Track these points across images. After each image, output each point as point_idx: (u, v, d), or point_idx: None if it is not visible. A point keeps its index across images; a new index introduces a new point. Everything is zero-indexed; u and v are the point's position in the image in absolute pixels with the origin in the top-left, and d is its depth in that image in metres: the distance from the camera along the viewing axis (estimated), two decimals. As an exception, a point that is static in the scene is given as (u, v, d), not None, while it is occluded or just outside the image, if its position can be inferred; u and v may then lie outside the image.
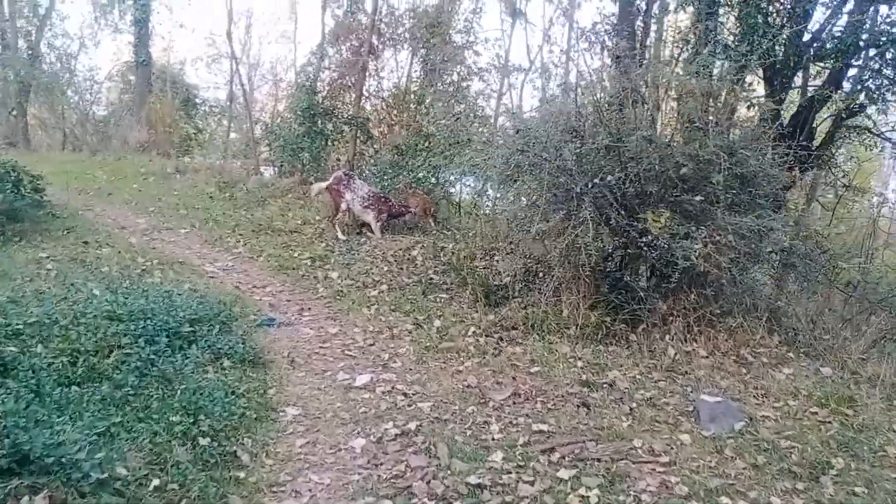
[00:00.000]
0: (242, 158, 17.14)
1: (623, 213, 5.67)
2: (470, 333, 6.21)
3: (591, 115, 6.21)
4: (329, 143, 14.39)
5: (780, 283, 6.52)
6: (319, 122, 13.70)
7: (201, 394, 4.68)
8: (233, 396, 4.81)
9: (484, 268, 8.30)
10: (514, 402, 4.86)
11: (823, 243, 7.06)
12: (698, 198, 5.61)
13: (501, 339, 6.08)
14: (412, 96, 15.89)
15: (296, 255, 9.24)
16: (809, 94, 7.85)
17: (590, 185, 5.70)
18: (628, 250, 5.85)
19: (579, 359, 5.56)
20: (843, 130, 8.23)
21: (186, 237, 10.53)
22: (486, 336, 6.16)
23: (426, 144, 12.73)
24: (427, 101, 15.15)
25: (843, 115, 7.79)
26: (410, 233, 10.49)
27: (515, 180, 6.39)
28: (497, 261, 8.40)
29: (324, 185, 10.54)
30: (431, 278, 8.11)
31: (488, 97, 15.90)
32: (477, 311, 6.81)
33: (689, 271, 5.51)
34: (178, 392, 4.69)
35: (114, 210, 12.48)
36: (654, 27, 11.85)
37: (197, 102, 23.65)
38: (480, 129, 12.55)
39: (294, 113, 13.97)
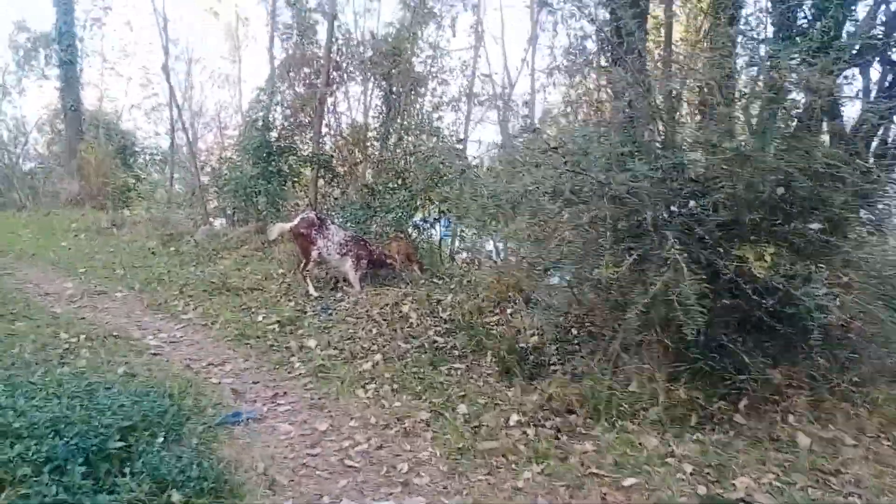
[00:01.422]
0: (188, 208, 15.31)
1: (719, 250, 4.17)
2: (513, 423, 4.58)
3: (649, 125, 4.76)
4: (287, 185, 12.71)
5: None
6: (275, 161, 12.04)
7: (137, 564, 2.98)
8: (188, 561, 3.11)
9: (497, 324, 6.73)
10: (619, 541, 3.26)
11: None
12: (815, 226, 4.16)
13: (559, 431, 4.45)
14: (373, 133, 14.48)
15: (259, 319, 7.51)
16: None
17: (668, 216, 4.21)
18: (722, 300, 4.33)
19: (682, 458, 3.98)
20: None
21: (124, 302, 8.71)
22: (536, 426, 4.52)
23: (399, 182, 11.22)
24: (392, 138, 13.74)
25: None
26: (393, 283, 8.86)
27: (557, 211, 4.83)
28: (511, 315, 6.84)
29: (287, 226, 8.86)
30: (435, 341, 6.47)
31: (458, 129, 14.43)
32: (511, 388, 5.19)
33: (812, 328, 4.02)
34: (101, 563, 2.98)
35: (37, 273, 10.57)
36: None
37: (136, 150, 21.75)
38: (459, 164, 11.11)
39: (245, 153, 12.27)
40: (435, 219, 11.25)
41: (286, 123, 13.60)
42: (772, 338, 4.43)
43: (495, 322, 6.82)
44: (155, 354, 6.42)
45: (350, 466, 4.14)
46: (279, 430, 4.71)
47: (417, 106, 14.33)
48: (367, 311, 7.56)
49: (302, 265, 8.69)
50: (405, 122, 13.38)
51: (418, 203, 10.21)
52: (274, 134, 12.85)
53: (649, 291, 3.95)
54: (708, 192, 4.23)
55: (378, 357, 6.09)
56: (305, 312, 7.76)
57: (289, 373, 5.95)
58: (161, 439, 4.17)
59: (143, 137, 22.82)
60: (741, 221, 4.31)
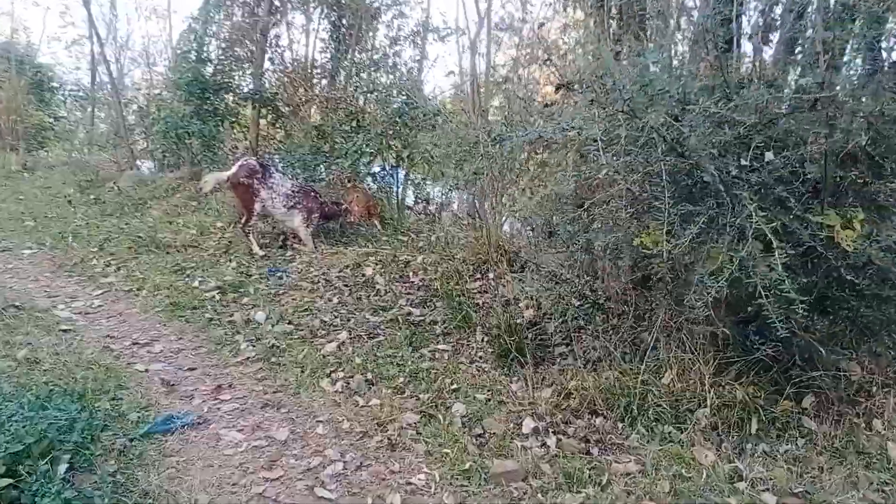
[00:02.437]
0: (112, 150, 13.72)
1: (807, 216, 3.22)
2: (527, 430, 3.62)
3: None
4: (224, 125, 11.32)
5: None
6: (210, 99, 10.64)
7: None
8: None
9: (481, 292, 5.76)
10: None
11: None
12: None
13: (587, 442, 3.52)
14: (319, 69, 13.17)
15: (196, 284, 6.33)
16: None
17: (738, 172, 3.24)
18: (799, 278, 3.41)
19: (755, 482, 3.08)
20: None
21: (31, 262, 7.39)
22: (557, 433, 3.58)
23: (354, 124, 9.97)
24: (342, 75, 12.50)
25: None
26: (352, 241, 7.77)
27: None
28: (495, 280, 5.88)
29: (223, 175, 7.57)
30: (410, 313, 5.46)
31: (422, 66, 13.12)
32: (515, 380, 4.23)
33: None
34: None
35: (-72, 226, 9.09)
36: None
37: (54, 86, 19.65)
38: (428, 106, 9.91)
39: (176, 89, 10.82)
40: (392, 166, 10.13)
41: (223, 57, 12.13)
42: (850, 324, 3.56)
43: (478, 289, 5.84)
44: (66, 331, 5.23)
45: (324, 499, 3.12)
46: (225, 441, 3.64)
47: (371, 40, 13.05)
48: (323, 275, 6.48)
49: (243, 220, 7.49)
50: (358, 58, 12.09)
51: (376, 148, 9.03)
52: (209, 69, 11.40)
53: (724, 271, 2.97)
54: (793, 143, 3.27)
55: (343, 335, 5.04)
56: (250, 276, 6.62)
57: (234, 356, 4.84)
58: (65, 466, 3.08)
59: (62, 72, 20.76)
60: (825, 179, 3.38)
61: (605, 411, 3.71)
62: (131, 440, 3.51)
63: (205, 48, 11.26)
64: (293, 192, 7.52)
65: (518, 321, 4.81)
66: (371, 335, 5.07)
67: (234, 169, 7.49)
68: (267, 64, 12.13)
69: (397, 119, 8.47)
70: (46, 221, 9.05)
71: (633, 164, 3.31)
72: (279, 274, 6.63)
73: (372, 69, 11.77)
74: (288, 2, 13.12)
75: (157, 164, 12.29)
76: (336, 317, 5.46)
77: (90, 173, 11.50)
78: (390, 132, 8.77)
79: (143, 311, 5.80)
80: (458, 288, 5.76)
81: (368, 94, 9.89)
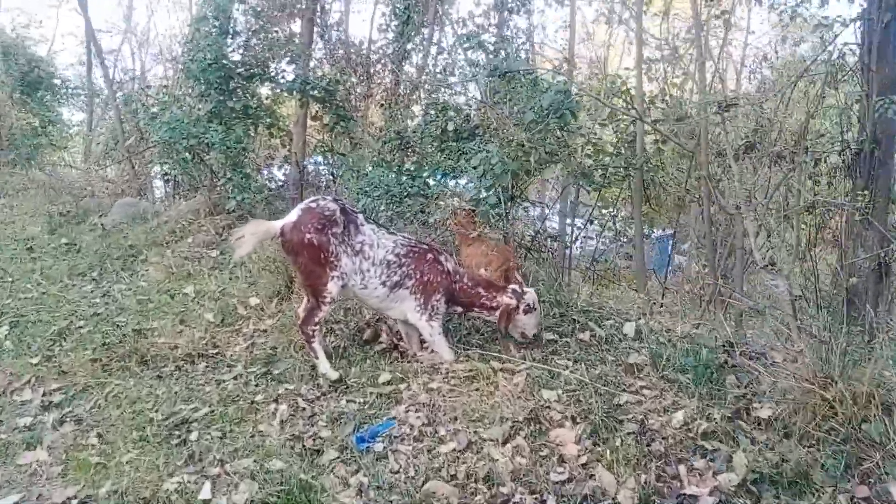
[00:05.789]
0: (111, 166, 10.38)
1: None
2: None
3: None
4: (258, 130, 7.81)
5: None
6: (239, 91, 7.17)
7: None
8: None
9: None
10: None
11: None
12: None
13: None
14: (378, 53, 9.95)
15: (206, 495, 2.86)
16: None
17: None
18: None
19: None
20: None
21: None
22: None
23: (446, 126, 6.46)
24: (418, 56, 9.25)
25: None
26: (487, 333, 4.27)
27: None
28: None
29: (273, 228, 3.96)
30: None
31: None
32: None
33: None
34: None
35: None
36: None
37: (54, 83, 16.38)
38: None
39: (190, 78, 7.29)
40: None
41: (255, 37, 8.49)
42: None
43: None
44: None
45: None
46: None
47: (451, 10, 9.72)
48: (471, 449, 3.01)
49: (306, 310, 3.98)
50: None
51: (510, 164, 5.38)
52: (236, 51, 7.82)
53: None
54: None
55: None
56: (319, 453, 3.13)
57: None
58: None
59: (63, 67, 17.59)
60: None
61: None
62: None
63: (230, 20, 7.72)
64: (397, 255, 4.01)
65: None
66: None
67: (292, 216, 3.90)
68: (316, 41, 8.78)
69: (555, 117, 4.87)
70: (-18, 288, 5.70)
71: None
72: (376, 441, 3.15)
73: (464, 45, 8.24)
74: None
75: (167, 185, 8.88)
76: None
77: (69, 202, 8.09)
78: (534, 139, 5.16)
79: None
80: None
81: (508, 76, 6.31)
